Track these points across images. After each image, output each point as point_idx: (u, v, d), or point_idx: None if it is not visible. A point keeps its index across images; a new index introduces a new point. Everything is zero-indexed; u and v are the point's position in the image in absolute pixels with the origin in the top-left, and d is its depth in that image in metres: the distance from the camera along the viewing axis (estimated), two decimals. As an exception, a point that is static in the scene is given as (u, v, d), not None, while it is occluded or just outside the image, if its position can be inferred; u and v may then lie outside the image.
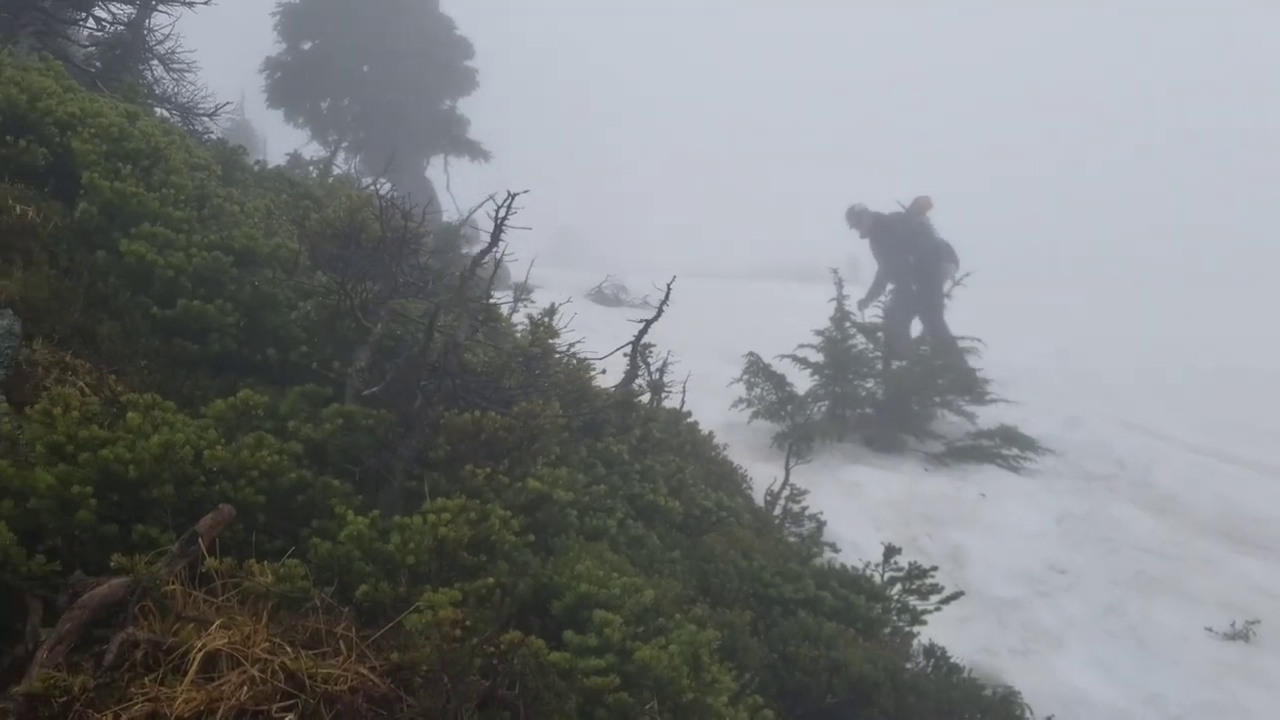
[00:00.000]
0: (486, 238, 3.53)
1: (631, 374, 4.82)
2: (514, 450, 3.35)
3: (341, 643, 2.30)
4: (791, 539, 5.25)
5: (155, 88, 7.07)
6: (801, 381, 9.22)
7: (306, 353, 3.58)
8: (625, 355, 4.78)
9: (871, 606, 4.15)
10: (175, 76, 7.26)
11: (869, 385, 9.29)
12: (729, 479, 5.84)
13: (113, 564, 2.23)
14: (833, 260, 9.98)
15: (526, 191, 3.47)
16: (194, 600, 2.28)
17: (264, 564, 2.39)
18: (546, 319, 4.42)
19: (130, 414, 2.64)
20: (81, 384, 2.99)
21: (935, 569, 4.63)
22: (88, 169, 3.78)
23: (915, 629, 4.40)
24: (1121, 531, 6.82)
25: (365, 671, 2.21)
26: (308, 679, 2.11)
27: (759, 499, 5.85)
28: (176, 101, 7.15)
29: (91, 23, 7.28)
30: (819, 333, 9.35)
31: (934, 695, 3.74)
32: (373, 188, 6.79)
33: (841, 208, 11.28)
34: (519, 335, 4.84)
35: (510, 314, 5.60)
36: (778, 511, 5.74)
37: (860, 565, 4.60)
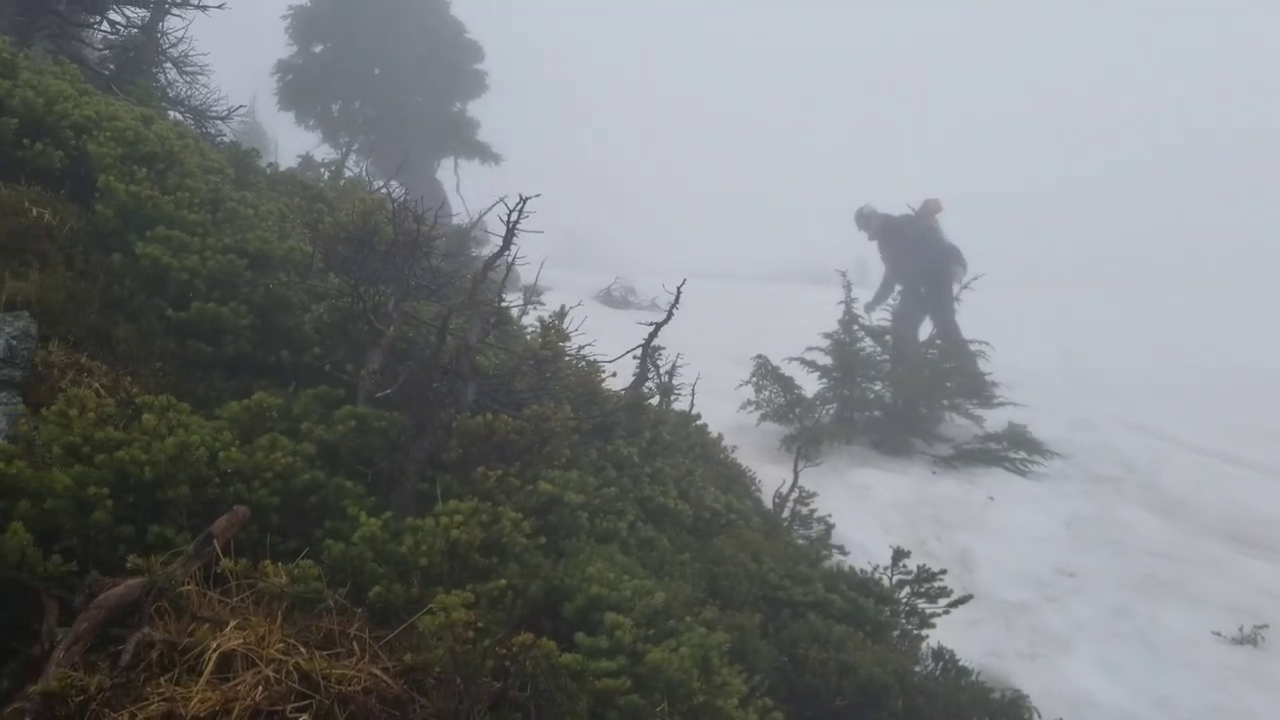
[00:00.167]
0: (497, 240, 3.54)
1: (641, 376, 4.83)
2: (525, 453, 3.37)
3: (355, 644, 2.33)
4: (800, 542, 5.26)
5: (169, 91, 7.10)
6: (810, 384, 9.21)
7: (320, 355, 3.59)
8: (635, 358, 4.80)
9: (880, 609, 4.16)
10: (188, 79, 7.29)
11: (877, 388, 9.28)
12: (738, 481, 5.85)
13: (129, 564, 2.26)
14: (841, 263, 9.95)
15: (538, 195, 3.48)
16: (209, 601, 2.30)
17: (278, 565, 2.42)
18: (557, 321, 4.44)
19: (146, 415, 2.66)
20: (97, 385, 3.01)
21: (944, 572, 4.64)
22: (103, 172, 3.80)
23: (924, 632, 4.40)
24: (1129, 534, 6.80)
25: (378, 672, 2.23)
26: (322, 680, 2.13)
27: (768, 501, 5.85)
28: (190, 104, 7.17)
29: (105, 26, 7.32)
30: (827, 335, 9.35)
31: (943, 698, 3.74)
32: (385, 191, 6.81)
33: (850, 210, 11.29)
34: (530, 338, 4.86)
35: (521, 316, 5.62)
36: (786, 514, 5.74)
37: (869, 568, 4.60)
